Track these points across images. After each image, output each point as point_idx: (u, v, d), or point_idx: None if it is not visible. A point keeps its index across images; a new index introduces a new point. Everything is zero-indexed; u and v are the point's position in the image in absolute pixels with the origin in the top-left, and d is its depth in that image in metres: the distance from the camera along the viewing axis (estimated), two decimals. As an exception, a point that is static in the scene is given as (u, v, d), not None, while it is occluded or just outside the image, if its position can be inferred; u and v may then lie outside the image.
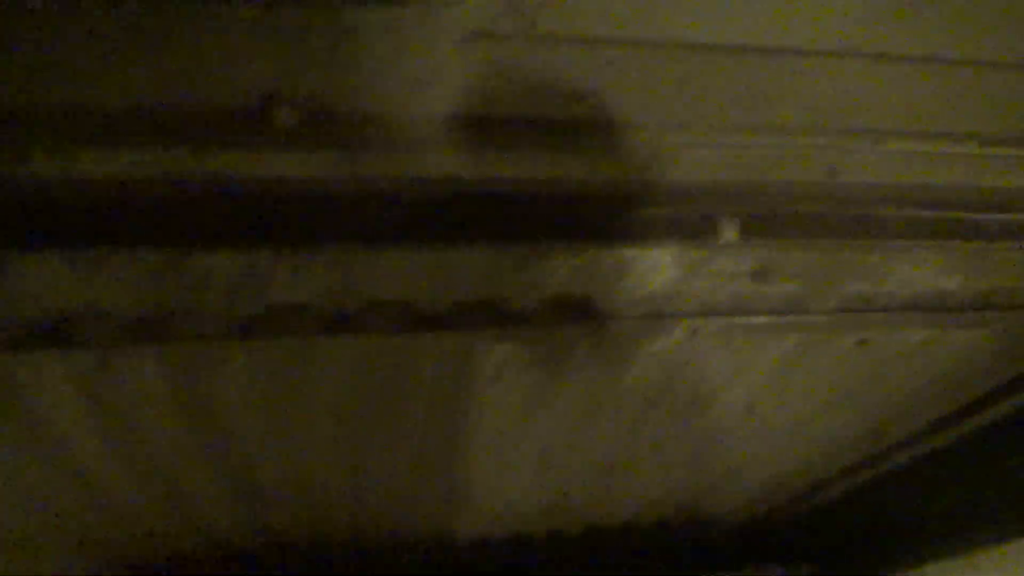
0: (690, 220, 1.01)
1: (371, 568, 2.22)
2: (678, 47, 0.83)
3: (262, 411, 1.32)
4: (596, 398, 1.49)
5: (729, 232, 0.99)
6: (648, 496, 2.12)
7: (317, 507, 1.90)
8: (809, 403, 1.68)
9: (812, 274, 1.10)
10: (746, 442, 1.91)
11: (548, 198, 0.95)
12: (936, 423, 1.78)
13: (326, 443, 1.53)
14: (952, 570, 1.88)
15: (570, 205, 0.96)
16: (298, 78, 0.77)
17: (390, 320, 1.06)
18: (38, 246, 0.81)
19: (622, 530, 2.36)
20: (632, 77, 0.85)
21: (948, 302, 1.24)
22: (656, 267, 1.03)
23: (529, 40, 0.77)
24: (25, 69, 0.71)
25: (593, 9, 0.76)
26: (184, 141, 0.79)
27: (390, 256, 0.94)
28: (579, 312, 1.15)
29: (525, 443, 1.66)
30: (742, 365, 1.44)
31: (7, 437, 1.25)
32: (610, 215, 0.98)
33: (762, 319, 1.20)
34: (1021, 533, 1.65)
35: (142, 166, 0.79)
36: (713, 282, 1.08)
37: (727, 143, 0.95)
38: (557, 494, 2.00)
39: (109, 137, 0.77)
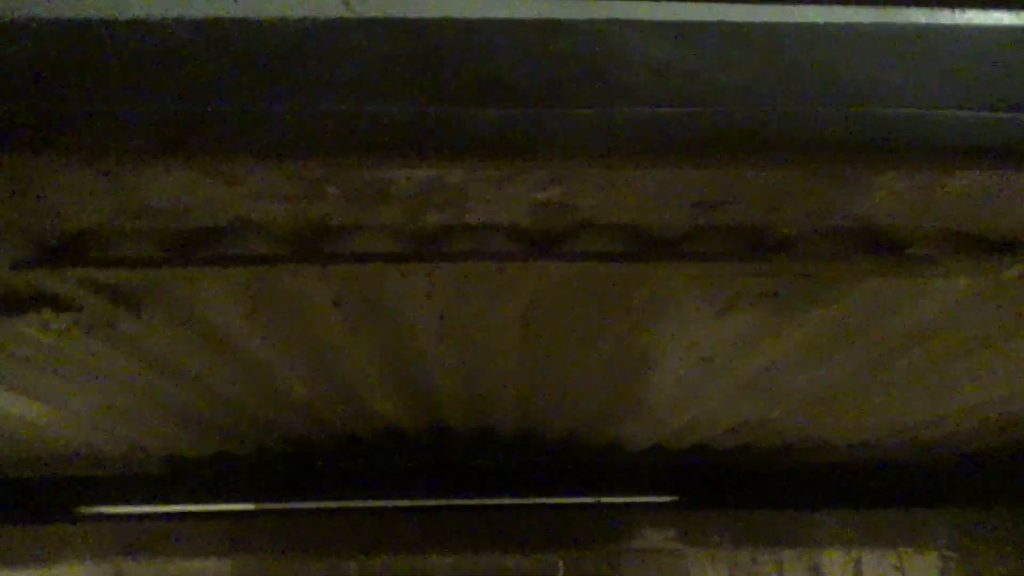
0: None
1: (539, 469, 2.12)
2: None
3: (442, 322, 1.14)
4: (833, 334, 1.18)
5: None
6: (861, 424, 1.81)
7: (487, 407, 1.77)
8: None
9: None
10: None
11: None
12: None
13: (507, 354, 1.34)
14: None
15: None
16: None
17: (614, 241, 0.80)
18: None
19: (817, 449, 2.09)
20: None
21: None
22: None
23: None
24: None
25: None
26: None
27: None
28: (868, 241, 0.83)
29: (734, 371, 1.39)
30: None
31: (185, 338, 1.17)
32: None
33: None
34: None
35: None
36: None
37: None
38: (754, 418, 1.74)
39: None
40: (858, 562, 2.03)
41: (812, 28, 0.61)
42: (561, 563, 2.00)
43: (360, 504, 2.08)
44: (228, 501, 2.07)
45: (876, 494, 2.16)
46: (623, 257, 0.82)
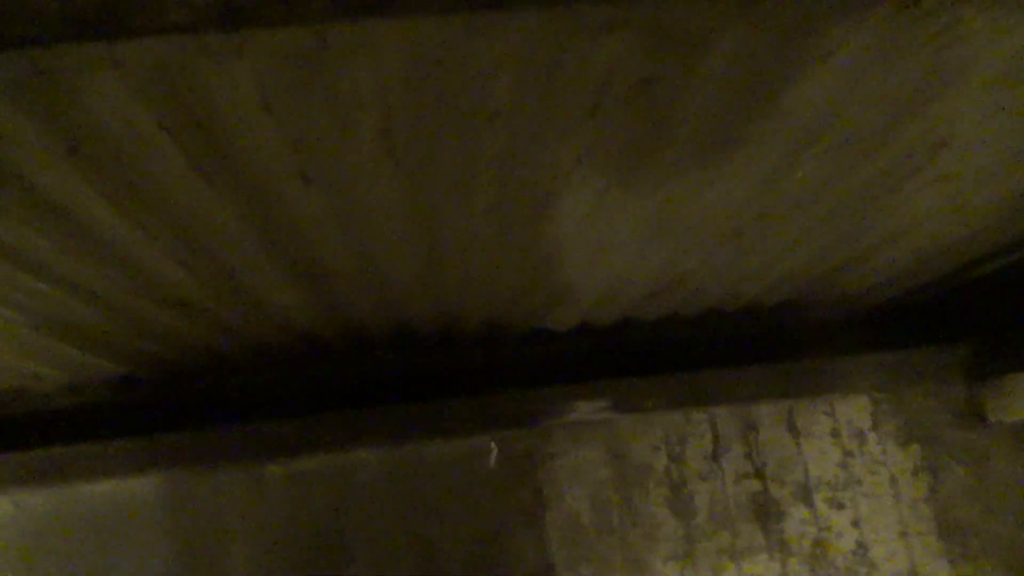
0: None
1: (462, 360, 2.05)
2: None
3: (296, 154, 1.03)
4: (732, 128, 1.10)
5: None
6: (777, 270, 1.78)
7: (394, 295, 1.68)
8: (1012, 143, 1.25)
9: None
10: (914, 200, 1.50)
11: None
12: None
13: (387, 210, 1.24)
14: None
15: None
16: None
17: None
18: None
19: (743, 312, 2.07)
20: None
21: None
22: None
23: None
24: None
25: None
26: None
27: None
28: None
29: (630, 207, 1.32)
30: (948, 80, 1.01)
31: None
32: None
33: None
34: None
35: None
36: None
37: None
38: (670, 271, 1.69)
39: None
40: (790, 412, 2.03)
41: None
42: (493, 443, 1.96)
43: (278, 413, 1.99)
44: (137, 422, 1.97)
45: (805, 348, 2.16)
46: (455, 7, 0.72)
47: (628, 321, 2.10)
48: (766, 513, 1.95)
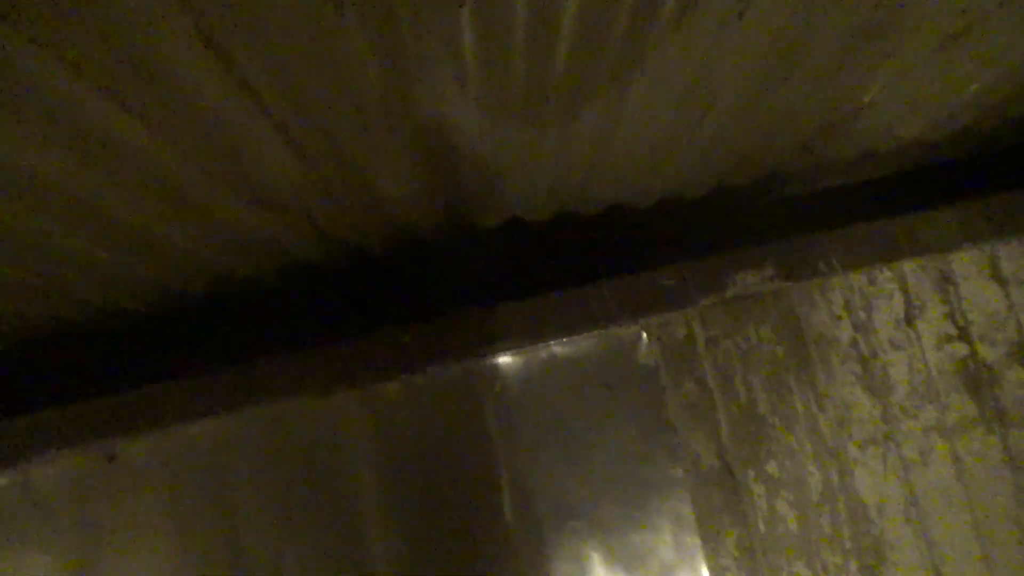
0: None
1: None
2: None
3: None
4: None
5: None
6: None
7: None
8: None
9: None
10: None
11: None
12: None
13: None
14: None
15: None
16: None
17: None
18: None
19: (931, 143, 1.68)
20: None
21: None
22: None
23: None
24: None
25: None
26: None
27: None
28: None
29: None
30: None
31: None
32: None
33: None
34: None
35: None
36: None
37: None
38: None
39: None
40: (995, 257, 1.68)
41: None
42: (643, 332, 1.64)
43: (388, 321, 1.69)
44: (231, 350, 1.68)
45: (1004, 179, 1.78)
46: None
47: (774, 175, 1.73)
48: (977, 380, 1.63)
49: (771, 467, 1.60)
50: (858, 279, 1.67)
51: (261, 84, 0.96)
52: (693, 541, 1.57)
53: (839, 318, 1.66)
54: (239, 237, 1.40)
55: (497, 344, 1.63)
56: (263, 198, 1.27)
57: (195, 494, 1.60)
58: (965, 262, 1.68)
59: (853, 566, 1.56)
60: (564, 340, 1.64)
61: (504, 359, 1.63)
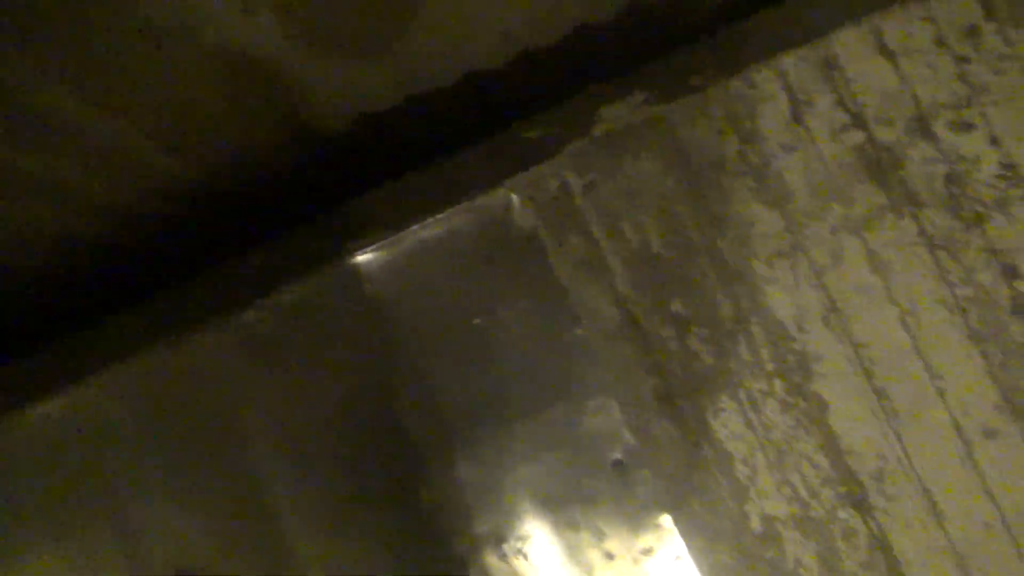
0: None
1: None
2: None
3: None
4: None
5: None
6: None
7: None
8: None
9: None
10: None
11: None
12: None
13: None
14: None
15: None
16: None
17: None
18: None
19: None
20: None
21: None
22: None
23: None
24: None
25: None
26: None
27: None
28: None
29: None
30: None
31: None
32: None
33: None
34: None
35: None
36: None
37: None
38: None
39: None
40: (878, 31, 1.52)
41: None
42: (512, 195, 1.50)
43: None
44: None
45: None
46: None
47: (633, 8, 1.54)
48: (880, 165, 1.50)
49: (676, 305, 1.48)
50: (737, 84, 1.52)
51: None
52: (609, 403, 1.47)
53: (723, 132, 1.51)
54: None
55: (358, 241, 1.48)
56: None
57: (73, 473, 1.47)
58: (847, 42, 1.52)
59: (779, 387, 1.47)
60: (429, 221, 1.49)
61: (367, 256, 1.48)
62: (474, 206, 1.50)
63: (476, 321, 1.49)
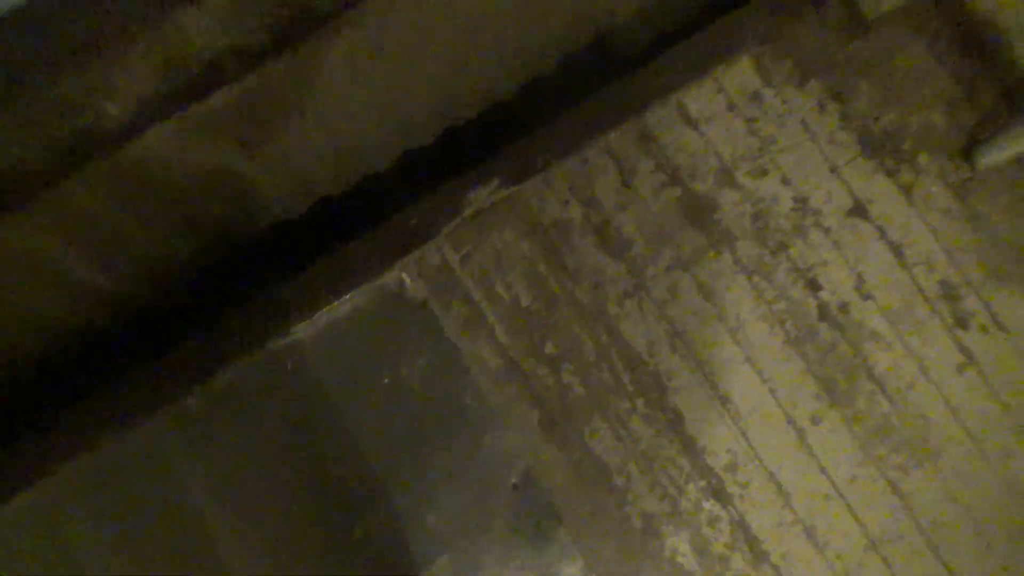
0: None
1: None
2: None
3: None
4: None
5: None
6: None
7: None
8: None
9: None
10: None
11: None
12: None
13: None
14: None
15: None
16: None
17: None
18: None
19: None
20: None
21: None
22: None
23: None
24: None
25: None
26: None
27: None
28: None
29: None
30: None
31: None
32: None
33: None
34: None
35: None
36: None
37: None
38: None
39: None
40: (680, 104, 1.88)
41: None
42: (403, 275, 1.80)
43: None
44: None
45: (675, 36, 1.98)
46: None
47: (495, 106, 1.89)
48: (697, 212, 1.84)
49: (548, 347, 1.78)
50: (574, 163, 1.86)
51: None
52: (503, 435, 1.75)
53: (567, 201, 1.84)
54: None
55: (280, 325, 1.76)
56: None
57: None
58: (658, 118, 1.87)
59: (640, 405, 1.76)
60: (336, 304, 1.78)
61: (287, 340, 1.76)
62: (373, 287, 1.80)
63: (385, 380, 1.77)
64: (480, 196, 1.83)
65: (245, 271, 1.94)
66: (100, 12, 1.06)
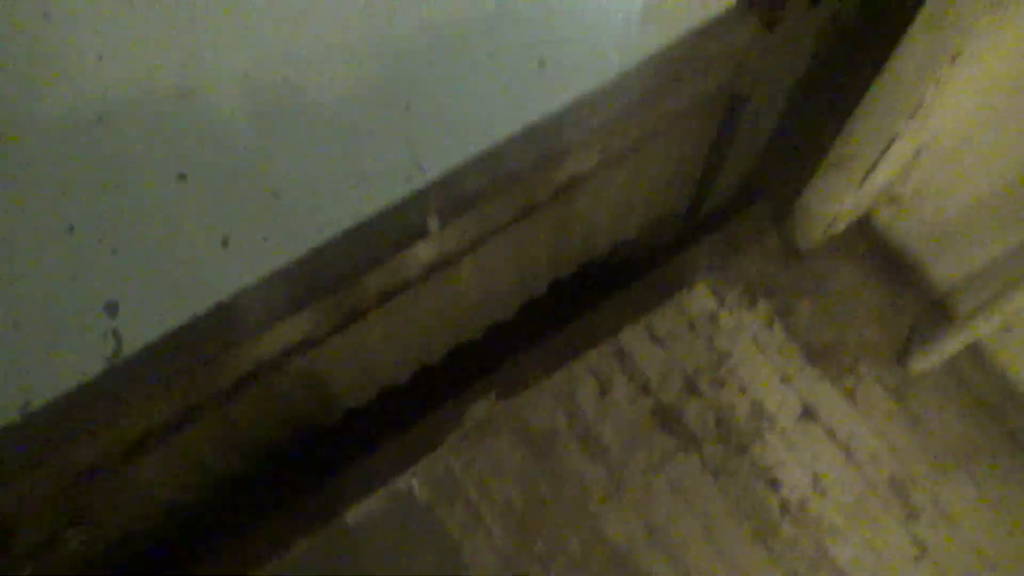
0: None
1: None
2: None
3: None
4: None
5: None
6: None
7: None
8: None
9: None
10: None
11: None
12: None
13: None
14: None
15: None
16: None
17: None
18: None
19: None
20: None
21: None
22: None
23: None
24: None
25: None
26: None
27: None
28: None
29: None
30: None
31: None
32: None
33: None
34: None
35: None
36: None
37: None
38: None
39: None
40: (650, 326, 2.23)
41: None
42: (413, 480, 2.09)
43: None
44: None
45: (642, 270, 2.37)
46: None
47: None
48: (667, 419, 2.13)
49: (538, 546, 2.02)
50: (560, 377, 2.19)
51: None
52: (500, 629, 1.95)
53: (554, 411, 2.15)
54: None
55: (303, 531, 2.04)
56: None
57: None
58: (630, 338, 2.22)
59: (623, 598, 1.96)
60: (354, 506, 2.06)
61: (308, 542, 2.03)
62: (387, 491, 2.08)
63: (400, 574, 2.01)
64: (479, 409, 2.15)
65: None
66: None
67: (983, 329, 1.96)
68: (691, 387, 2.17)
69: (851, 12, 1.74)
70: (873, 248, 2.30)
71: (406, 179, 1.32)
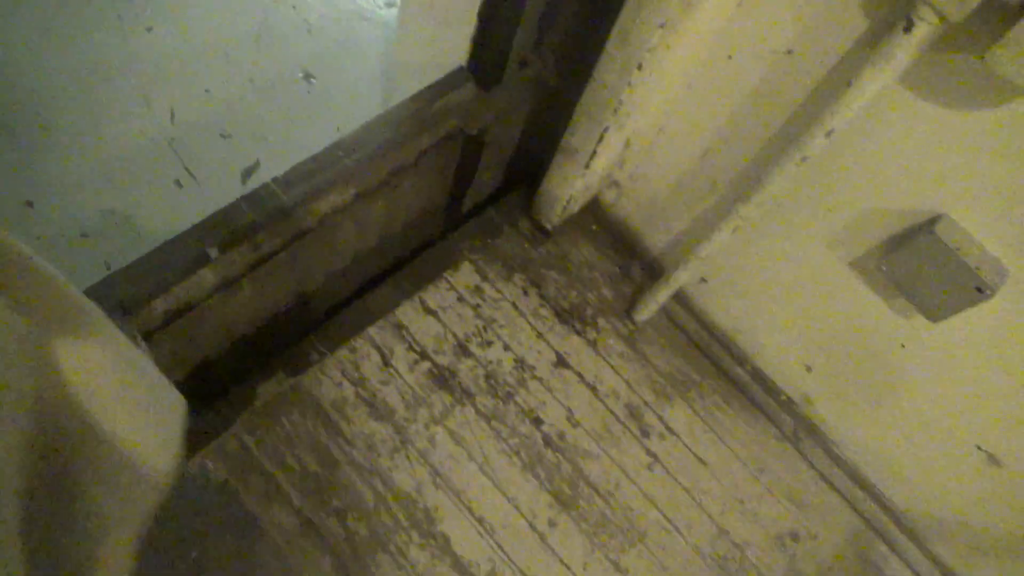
0: None
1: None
2: None
3: None
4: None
5: None
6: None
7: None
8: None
9: None
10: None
11: None
12: None
13: None
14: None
15: None
16: None
17: None
18: None
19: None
20: None
21: None
22: None
23: None
24: None
25: None
26: None
27: None
28: None
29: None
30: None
31: None
32: None
33: None
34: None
35: None
36: None
37: None
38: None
39: None
40: (423, 300, 2.51)
41: None
42: (209, 463, 2.16)
43: None
44: None
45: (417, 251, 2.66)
46: None
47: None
48: (444, 379, 2.41)
49: (335, 502, 2.19)
50: (344, 353, 2.39)
51: None
52: (302, 584, 2.07)
53: (340, 383, 2.34)
54: None
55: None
56: None
57: None
58: (406, 312, 2.49)
59: (415, 536, 2.18)
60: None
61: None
62: (182, 478, 2.13)
63: (193, 554, 2.06)
64: (268, 388, 2.29)
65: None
66: None
67: (683, 279, 2.48)
68: (463, 349, 2.48)
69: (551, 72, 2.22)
70: (603, 225, 2.80)
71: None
